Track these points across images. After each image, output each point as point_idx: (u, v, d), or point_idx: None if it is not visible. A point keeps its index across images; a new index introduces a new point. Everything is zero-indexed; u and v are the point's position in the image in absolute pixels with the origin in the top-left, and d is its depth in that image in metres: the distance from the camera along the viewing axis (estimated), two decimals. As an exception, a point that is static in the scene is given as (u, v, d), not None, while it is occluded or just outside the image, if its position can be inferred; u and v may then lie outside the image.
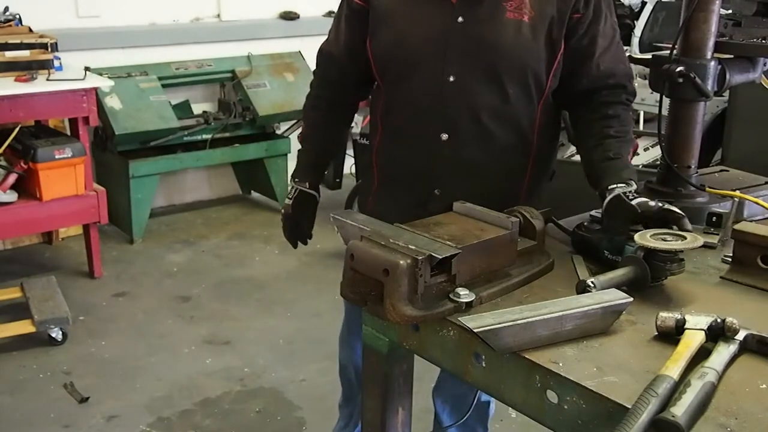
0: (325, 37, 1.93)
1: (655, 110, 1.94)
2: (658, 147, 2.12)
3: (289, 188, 1.98)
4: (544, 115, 1.75)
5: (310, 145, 1.98)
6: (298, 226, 2.00)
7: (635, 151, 1.74)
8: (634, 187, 1.58)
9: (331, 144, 2.02)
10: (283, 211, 1.98)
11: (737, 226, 1.49)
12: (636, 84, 5.05)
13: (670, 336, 1.22)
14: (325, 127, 1.98)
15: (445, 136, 1.69)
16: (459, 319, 1.24)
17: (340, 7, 1.86)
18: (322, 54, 1.93)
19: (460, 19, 1.65)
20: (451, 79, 1.66)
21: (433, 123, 1.69)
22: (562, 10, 1.65)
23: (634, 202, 1.50)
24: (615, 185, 1.58)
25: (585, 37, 1.69)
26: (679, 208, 1.64)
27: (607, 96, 1.72)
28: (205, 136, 4.63)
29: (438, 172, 1.73)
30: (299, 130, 2.04)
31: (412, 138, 1.75)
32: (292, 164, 2.30)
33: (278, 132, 4.98)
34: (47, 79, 3.62)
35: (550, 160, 1.90)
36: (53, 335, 3.33)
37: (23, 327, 3.30)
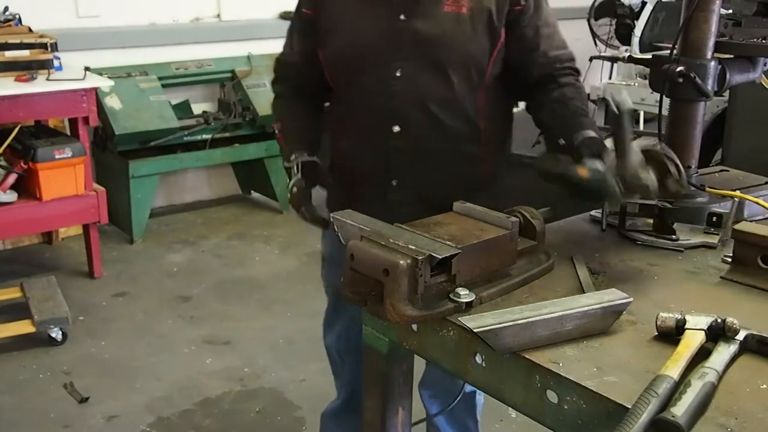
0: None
1: (655, 110, 1.94)
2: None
3: (288, 169, 1.86)
4: (487, 100, 1.82)
5: (290, 128, 1.94)
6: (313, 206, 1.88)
7: None
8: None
9: (310, 122, 1.96)
10: (294, 189, 1.81)
11: (737, 226, 1.49)
12: (636, 84, 5.03)
13: (670, 336, 1.22)
14: (299, 108, 1.96)
15: (397, 128, 1.76)
16: (459, 319, 1.24)
17: (293, 19, 1.95)
18: (279, 63, 1.99)
19: (402, 16, 1.73)
20: (398, 74, 1.74)
21: (385, 117, 1.76)
22: (501, 1, 1.74)
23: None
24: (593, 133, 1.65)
25: (528, 29, 1.78)
26: (679, 208, 1.65)
27: (559, 78, 1.80)
28: (205, 136, 4.64)
29: (394, 164, 1.79)
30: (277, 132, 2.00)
31: (367, 133, 1.83)
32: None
33: (278, 132, 4.98)
34: (47, 79, 3.63)
35: (503, 146, 1.98)
36: (53, 335, 3.33)
37: (23, 327, 3.30)
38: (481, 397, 2.17)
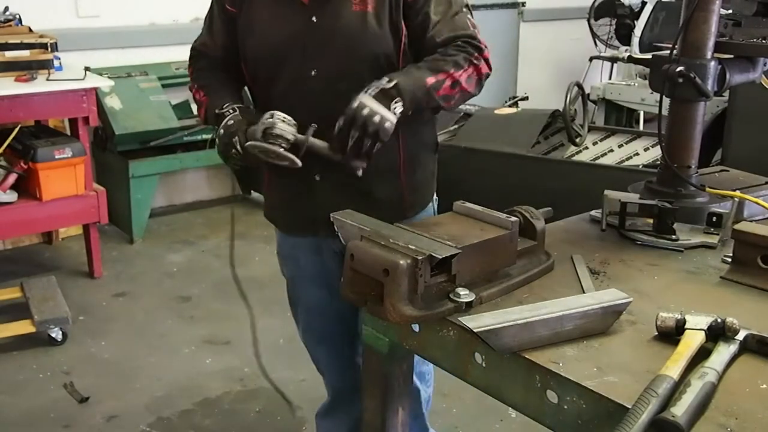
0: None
1: (655, 110, 1.94)
2: (658, 147, 2.11)
3: (219, 116, 1.81)
4: None
5: (217, 90, 1.92)
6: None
7: (460, 88, 1.77)
8: (384, 81, 1.65)
9: (238, 88, 1.97)
10: (231, 122, 1.77)
11: (737, 226, 1.49)
12: (636, 84, 5.03)
13: (670, 336, 1.22)
14: (223, 77, 1.95)
15: (314, 126, 1.72)
16: (459, 319, 1.24)
17: (210, 9, 1.96)
18: (199, 53, 1.99)
19: (313, 18, 1.79)
20: (313, 73, 1.80)
21: (302, 116, 1.74)
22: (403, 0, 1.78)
23: (360, 95, 1.62)
24: (384, 80, 1.66)
25: (418, 16, 1.79)
26: (679, 208, 1.65)
27: (449, 48, 1.78)
28: (205, 136, 4.63)
29: (313, 160, 1.75)
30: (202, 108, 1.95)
31: None
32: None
33: (278, 132, 4.98)
34: (47, 79, 3.62)
35: (423, 133, 1.99)
36: (53, 335, 3.33)
37: (23, 327, 3.30)
38: (426, 393, 2.19)
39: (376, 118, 1.59)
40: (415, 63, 1.78)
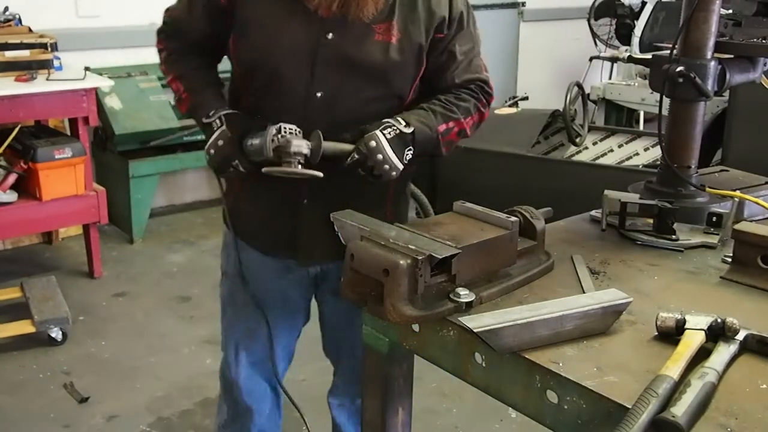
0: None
1: (655, 110, 1.94)
2: (658, 147, 2.11)
3: (207, 125, 1.70)
4: None
5: (199, 84, 1.78)
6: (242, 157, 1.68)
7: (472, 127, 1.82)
8: (402, 124, 1.65)
9: (218, 79, 1.83)
10: (220, 142, 1.66)
11: (737, 226, 1.49)
12: (636, 84, 5.06)
13: (670, 336, 1.22)
14: (202, 63, 1.80)
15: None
16: (459, 319, 1.24)
17: None
18: (174, 21, 1.80)
19: (330, 35, 1.65)
20: (319, 95, 1.68)
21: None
22: (429, 30, 1.71)
23: (378, 134, 1.61)
24: (397, 119, 1.66)
25: (444, 54, 1.75)
26: (679, 208, 1.65)
27: (459, 92, 1.78)
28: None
29: (304, 184, 1.70)
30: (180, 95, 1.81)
31: None
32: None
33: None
34: (47, 79, 3.62)
35: (413, 167, 1.81)
36: (53, 335, 3.33)
37: (23, 327, 3.30)
38: None
39: (386, 167, 1.62)
40: (427, 100, 1.74)
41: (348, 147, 1.63)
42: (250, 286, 1.90)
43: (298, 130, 1.62)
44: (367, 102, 1.70)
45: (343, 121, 1.68)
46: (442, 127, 1.71)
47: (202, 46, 1.79)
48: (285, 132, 1.61)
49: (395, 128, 1.63)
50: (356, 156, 1.61)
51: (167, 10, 1.82)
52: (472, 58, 1.78)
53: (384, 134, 1.61)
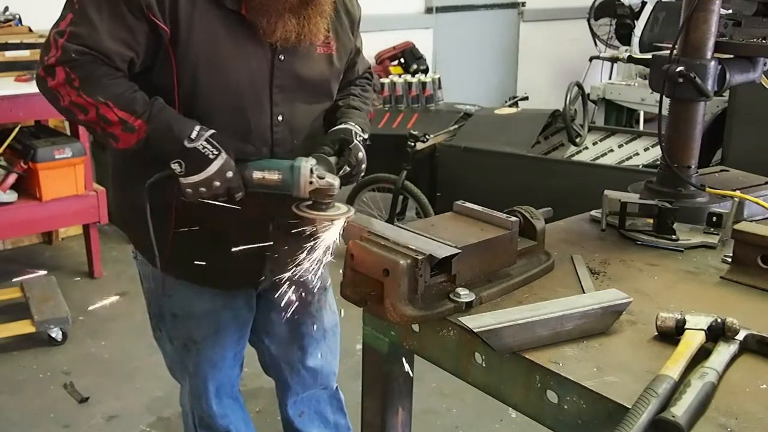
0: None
1: (655, 110, 1.95)
2: (658, 147, 2.11)
3: (193, 150, 1.49)
4: None
5: (146, 104, 1.51)
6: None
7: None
8: (360, 130, 1.74)
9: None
10: (229, 174, 1.51)
11: (737, 226, 1.49)
12: (636, 84, 5.06)
13: (670, 336, 1.22)
14: (135, 87, 1.54)
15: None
16: (459, 319, 1.24)
17: (115, 9, 1.50)
18: (90, 55, 1.49)
19: (281, 57, 1.64)
20: (280, 118, 1.67)
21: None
22: (353, 32, 1.82)
23: (359, 144, 1.70)
24: (354, 124, 1.74)
25: (353, 51, 1.87)
26: (679, 208, 1.65)
27: (357, 81, 1.94)
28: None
29: (272, 207, 1.66)
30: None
31: None
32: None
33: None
34: (47, 79, 3.62)
35: None
36: (53, 335, 3.33)
37: (23, 327, 3.31)
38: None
39: (362, 174, 1.74)
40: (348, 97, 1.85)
41: (333, 159, 1.66)
42: (203, 329, 1.86)
43: (315, 162, 1.55)
44: (317, 117, 1.77)
45: (301, 140, 1.72)
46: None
47: (124, 74, 1.54)
48: (323, 173, 1.52)
49: (362, 138, 1.72)
50: (347, 168, 1.67)
51: (71, 39, 1.50)
52: (362, 52, 1.93)
53: (359, 145, 1.70)
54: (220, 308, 1.86)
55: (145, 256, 1.84)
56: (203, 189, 1.51)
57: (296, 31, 1.58)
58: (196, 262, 1.70)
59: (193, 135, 1.50)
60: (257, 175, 1.54)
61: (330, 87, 1.78)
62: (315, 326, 2.00)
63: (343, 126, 1.73)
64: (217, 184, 1.51)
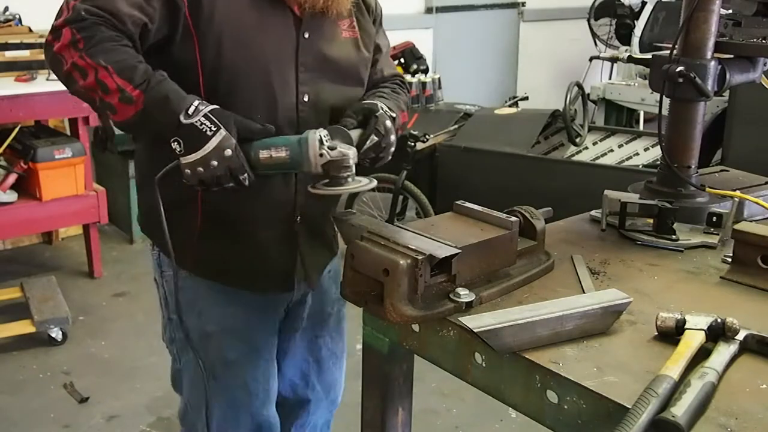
0: None
1: (655, 110, 1.95)
2: (658, 147, 2.11)
3: (190, 126, 1.38)
4: None
5: (147, 73, 1.41)
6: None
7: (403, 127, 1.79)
8: (394, 115, 1.65)
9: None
10: (228, 152, 1.39)
11: (737, 226, 1.49)
12: (636, 84, 5.07)
13: (670, 336, 1.22)
14: (140, 58, 1.44)
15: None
16: (459, 319, 1.24)
17: None
18: (101, 17, 1.40)
19: (306, 34, 1.58)
20: (306, 99, 1.59)
21: None
22: (374, 23, 1.77)
23: (390, 124, 1.60)
24: (381, 103, 1.64)
25: (374, 49, 1.79)
26: (679, 208, 1.65)
27: (386, 82, 1.84)
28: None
29: (300, 200, 1.64)
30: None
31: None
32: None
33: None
34: (47, 79, 3.62)
35: None
36: (53, 335, 3.33)
37: (23, 327, 3.31)
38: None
39: (391, 149, 1.63)
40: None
41: (357, 132, 1.55)
42: (215, 321, 1.69)
43: (327, 134, 1.45)
44: (346, 101, 1.65)
45: (328, 124, 1.61)
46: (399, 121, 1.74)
47: (134, 42, 1.44)
48: (336, 144, 1.42)
49: (391, 116, 1.62)
50: (375, 138, 1.55)
51: (87, 4, 1.41)
52: (387, 53, 1.85)
53: (392, 125, 1.61)
54: (233, 309, 1.71)
55: (170, 264, 1.64)
56: (201, 169, 1.39)
57: None
58: (224, 260, 1.65)
59: (191, 110, 1.39)
60: (264, 154, 1.42)
61: (358, 71, 1.69)
62: (332, 339, 1.94)
63: (367, 101, 1.65)
64: (215, 163, 1.39)
